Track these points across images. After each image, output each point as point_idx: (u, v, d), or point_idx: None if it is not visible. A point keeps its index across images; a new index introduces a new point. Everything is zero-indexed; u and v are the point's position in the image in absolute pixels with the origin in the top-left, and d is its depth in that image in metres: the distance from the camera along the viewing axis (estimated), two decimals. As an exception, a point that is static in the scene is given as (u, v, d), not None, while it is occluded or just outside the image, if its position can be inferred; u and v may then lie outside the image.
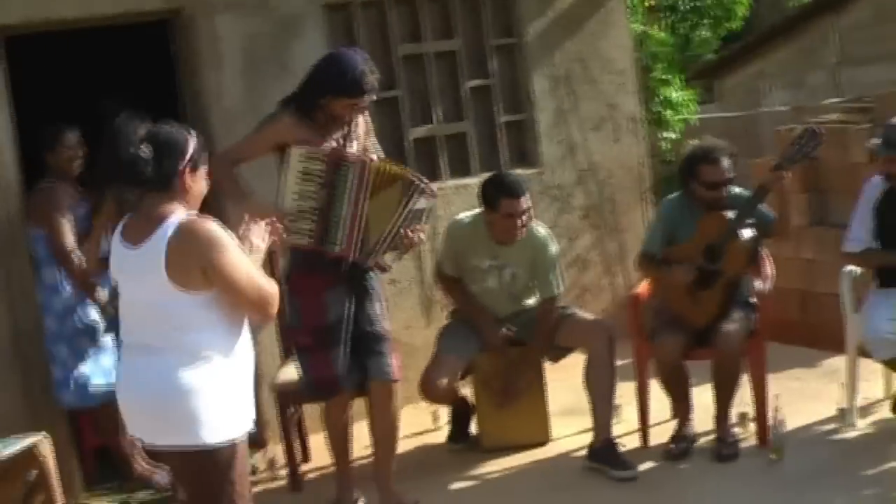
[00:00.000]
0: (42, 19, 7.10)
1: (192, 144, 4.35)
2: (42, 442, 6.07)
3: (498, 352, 6.83)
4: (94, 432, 7.29)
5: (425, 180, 5.88)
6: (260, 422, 7.45)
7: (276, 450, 7.02)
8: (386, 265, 5.99)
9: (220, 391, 4.26)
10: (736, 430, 6.69)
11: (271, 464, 7.08)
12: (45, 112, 7.41)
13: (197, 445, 4.25)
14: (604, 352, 6.62)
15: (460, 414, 7.17)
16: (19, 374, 6.89)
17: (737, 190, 6.68)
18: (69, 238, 6.85)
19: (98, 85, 10.08)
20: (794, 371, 7.77)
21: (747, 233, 6.48)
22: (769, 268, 6.83)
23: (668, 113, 10.58)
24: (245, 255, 4.31)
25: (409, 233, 5.82)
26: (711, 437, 6.66)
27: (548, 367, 7.01)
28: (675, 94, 10.91)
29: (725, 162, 6.57)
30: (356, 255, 5.77)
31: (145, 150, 4.27)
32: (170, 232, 4.19)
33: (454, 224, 6.92)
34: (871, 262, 6.70)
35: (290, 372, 6.64)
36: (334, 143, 5.78)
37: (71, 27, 7.38)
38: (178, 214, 4.24)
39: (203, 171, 4.42)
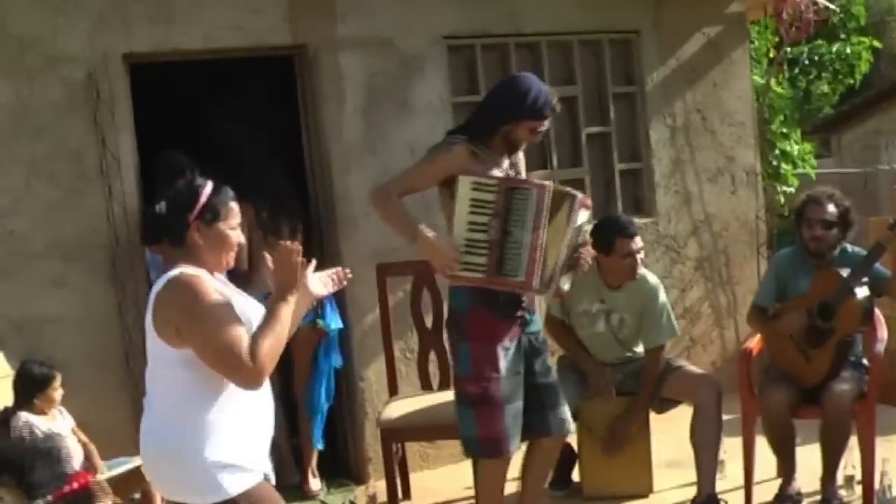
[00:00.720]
0: (169, 49, 7.23)
1: (202, 198, 4.21)
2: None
3: (604, 399, 6.81)
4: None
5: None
6: (362, 458, 7.61)
7: (379, 486, 7.03)
8: (564, 292, 5.75)
9: (205, 451, 4.10)
10: (842, 492, 6.58)
11: (372, 500, 7.08)
12: (159, 139, 7.56)
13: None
14: (711, 406, 6.58)
15: (563, 460, 7.13)
16: (129, 395, 6.99)
17: (851, 248, 6.63)
18: None
19: (219, 114, 10.25)
20: (904, 435, 7.65)
21: (862, 291, 6.40)
22: (882, 329, 6.75)
23: (786, 167, 10.50)
24: (234, 316, 4.08)
25: (580, 252, 5.62)
26: (816, 497, 6.57)
27: (653, 417, 6.97)
28: (794, 147, 10.83)
29: (830, 206, 6.53)
30: (538, 286, 5.43)
31: (160, 207, 4.25)
32: (160, 285, 4.14)
33: (564, 267, 6.92)
34: None
35: (396, 409, 6.68)
36: (502, 173, 5.51)
37: (196, 58, 7.50)
38: (177, 269, 4.15)
39: (224, 224, 4.25)
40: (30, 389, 6.19)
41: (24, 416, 6.11)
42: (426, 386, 7.04)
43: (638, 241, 6.67)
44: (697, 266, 9.02)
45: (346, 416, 7.82)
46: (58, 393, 6.26)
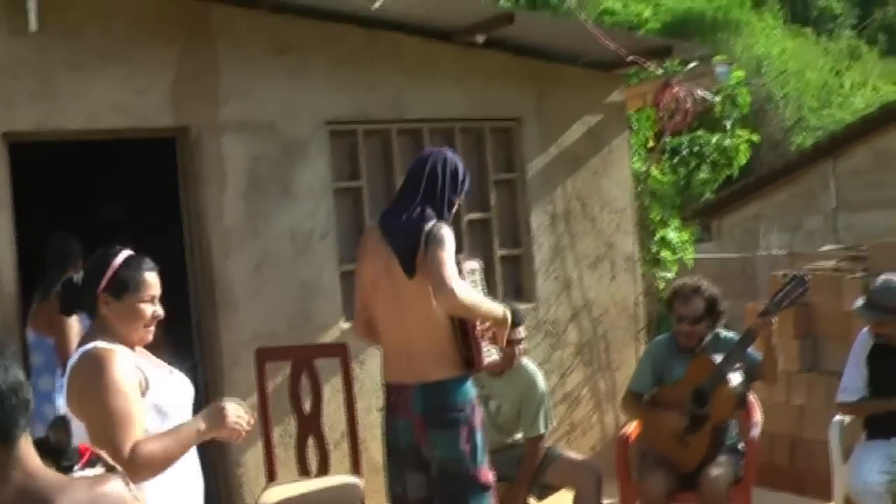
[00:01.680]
0: (49, 129, 7.19)
1: (109, 270, 4.11)
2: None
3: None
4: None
5: None
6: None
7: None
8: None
9: None
10: (718, 577, 6.62)
11: (249, 586, 7.02)
12: (42, 218, 7.49)
13: None
14: (591, 492, 6.59)
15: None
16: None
17: (725, 333, 6.74)
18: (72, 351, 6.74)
19: (99, 195, 10.20)
20: (781, 518, 7.73)
21: (736, 377, 6.49)
22: (757, 413, 6.84)
23: (666, 253, 10.63)
24: (133, 403, 3.94)
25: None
26: (693, 582, 6.60)
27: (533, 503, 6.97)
28: (674, 234, 10.97)
29: (697, 300, 6.65)
30: None
31: (77, 277, 4.20)
32: (74, 360, 4.06)
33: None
34: (867, 410, 6.68)
35: (274, 494, 6.62)
36: None
37: (78, 139, 7.46)
38: (92, 343, 4.05)
39: (135, 297, 4.12)
40: None
41: None
42: (304, 471, 6.98)
43: (521, 331, 6.68)
44: (577, 351, 9.08)
45: (223, 502, 7.72)
46: None
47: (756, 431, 6.76)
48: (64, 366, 6.67)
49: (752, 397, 6.84)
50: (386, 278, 5.30)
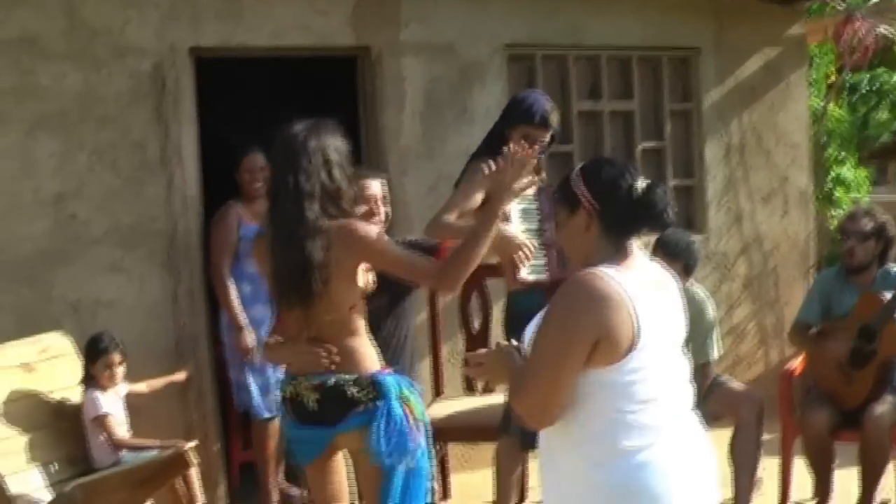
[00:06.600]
0: (235, 45, 7.35)
1: None
2: (191, 450, 6.23)
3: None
4: (242, 448, 7.48)
5: None
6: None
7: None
8: None
9: None
10: (877, 516, 6.60)
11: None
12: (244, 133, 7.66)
13: None
14: (752, 423, 6.57)
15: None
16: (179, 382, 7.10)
17: (895, 270, 6.66)
18: (221, 258, 7.03)
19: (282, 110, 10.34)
20: (942, 464, 7.63)
21: (905, 315, 6.42)
22: (924, 356, 6.75)
23: (840, 191, 10.50)
24: None
25: None
26: (852, 520, 6.58)
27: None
28: (849, 172, 10.83)
29: (865, 219, 6.61)
30: None
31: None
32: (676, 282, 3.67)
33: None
34: None
35: (440, 409, 6.74)
36: None
37: (263, 55, 7.62)
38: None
39: None
40: (87, 359, 6.34)
41: (90, 392, 6.27)
42: (470, 388, 7.09)
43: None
44: (746, 285, 9.06)
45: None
46: (116, 368, 6.34)
47: (923, 373, 6.68)
48: (212, 276, 6.91)
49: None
50: None
